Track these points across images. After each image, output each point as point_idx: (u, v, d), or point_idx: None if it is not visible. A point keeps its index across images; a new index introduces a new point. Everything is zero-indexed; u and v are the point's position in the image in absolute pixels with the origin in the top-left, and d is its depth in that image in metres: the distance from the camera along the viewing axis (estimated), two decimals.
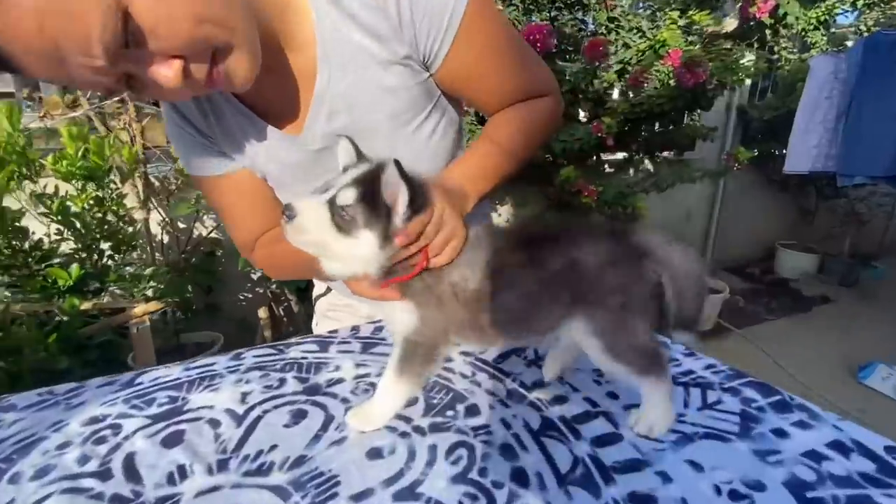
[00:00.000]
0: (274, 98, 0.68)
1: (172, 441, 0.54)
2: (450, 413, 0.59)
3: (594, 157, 2.23)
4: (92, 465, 0.50)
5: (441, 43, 0.64)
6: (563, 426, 0.56)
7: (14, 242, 1.32)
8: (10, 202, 1.32)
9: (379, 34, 0.63)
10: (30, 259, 1.37)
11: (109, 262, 1.67)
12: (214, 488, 0.47)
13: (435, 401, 0.61)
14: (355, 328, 0.84)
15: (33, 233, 1.40)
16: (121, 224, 1.72)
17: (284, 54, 0.64)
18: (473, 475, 0.48)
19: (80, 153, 1.41)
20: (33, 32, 0.40)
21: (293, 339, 0.80)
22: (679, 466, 0.49)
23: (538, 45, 1.62)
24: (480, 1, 0.64)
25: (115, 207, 1.62)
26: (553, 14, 2.13)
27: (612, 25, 2.02)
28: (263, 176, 0.75)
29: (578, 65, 1.83)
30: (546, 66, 0.76)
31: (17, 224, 1.32)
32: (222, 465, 0.50)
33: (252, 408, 0.60)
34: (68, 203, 1.40)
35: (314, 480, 0.48)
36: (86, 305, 1.48)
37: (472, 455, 0.51)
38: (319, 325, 1.00)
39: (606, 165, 2.77)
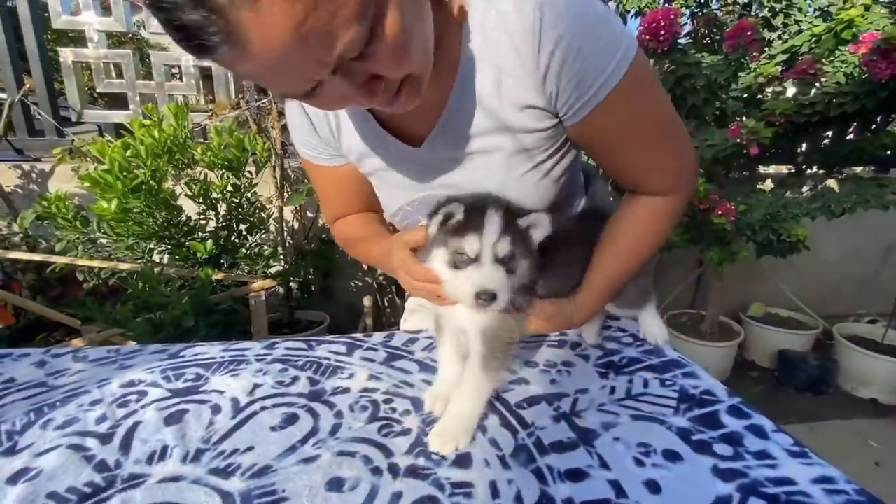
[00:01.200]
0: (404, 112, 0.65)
1: (174, 419, 0.56)
2: (436, 458, 0.50)
3: (743, 171, 1.82)
4: (103, 427, 0.55)
5: (581, 108, 0.61)
6: None
7: (170, 218, 1.60)
8: (171, 185, 1.62)
9: (518, 80, 0.60)
10: (179, 233, 1.65)
11: (242, 241, 1.94)
12: (177, 478, 0.47)
13: (426, 438, 0.53)
14: (389, 335, 0.80)
15: (185, 212, 1.70)
16: (255, 209, 1.98)
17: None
18: None
19: (223, 147, 1.66)
20: (296, 19, 0.39)
21: (326, 337, 0.79)
22: None
23: (662, 32, 1.36)
24: (639, 76, 0.60)
25: (248, 195, 1.87)
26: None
27: (782, 5, 1.60)
28: (367, 174, 0.77)
29: (718, 57, 1.49)
30: (690, 154, 0.70)
31: (172, 203, 1.60)
32: (197, 455, 0.50)
33: (254, 402, 0.60)
34: (210, 188, 1.66)
35: (264, 497, 0.45)
36: (218, 276, 1.73)
37: None
38: (407, 322, 1.00)
39: (767, 181, 2.27)
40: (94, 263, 1.74)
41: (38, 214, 1.82)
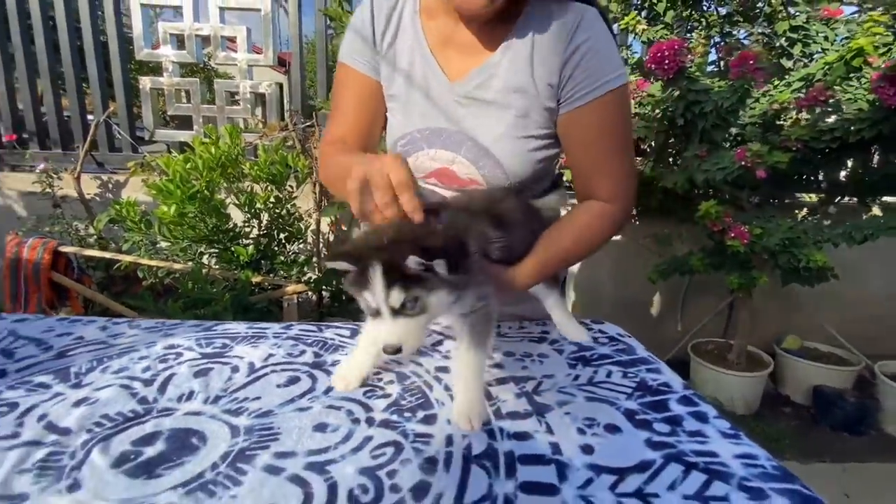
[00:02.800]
0: (456, 42, 0.83)
1: (201, 374, 0.69)
2: (408, 415, 0.59)
3: (770, 197, 1.80)
4: (146, 375, 0.67)
5: (579, 97, 0.78)
6: (504, 460, 0.50)
7: (219, 224, 1.80)
8: (222, 196, 1.83)
9: (548, 58, 0.78)
10: (226, 238, 1.85)
11: (281, 249, 2.12)
12: (198, 413, 0.59)
13: (404, 402, 0.62)
14: None
15: (232, 219, 1.90)
16: (294, 220, 2.17)
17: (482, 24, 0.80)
18: (380, 473, 0.48)
19: (268, 163, 1.86)
20: None
21: (336, 322, 0.90)
22: None
23: (667, 62, 1.43)
24: (625, 95, 0.81)
25: (288, 206, 2.06)
26: (726, 30, 1.84)
27: (797, 36, 1.62)
28: (390, 97, 0.88)
29: (724, 83, 1.53)
30: (634, 176, 0.86)
31: (222, 211, 1.80)
32: (216, 399, 0.62)
33: (266, 366, 0.72)
34: (254, 199, 1.85)
35: (262, 431, 0.55)
36: (257, 279, 1.91)
37: (395, 456, 0.51)
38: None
39: (804, 209, 2.22)
40: (154, 263, 1.97)
41: (110, 218, 2.09)
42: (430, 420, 0.58)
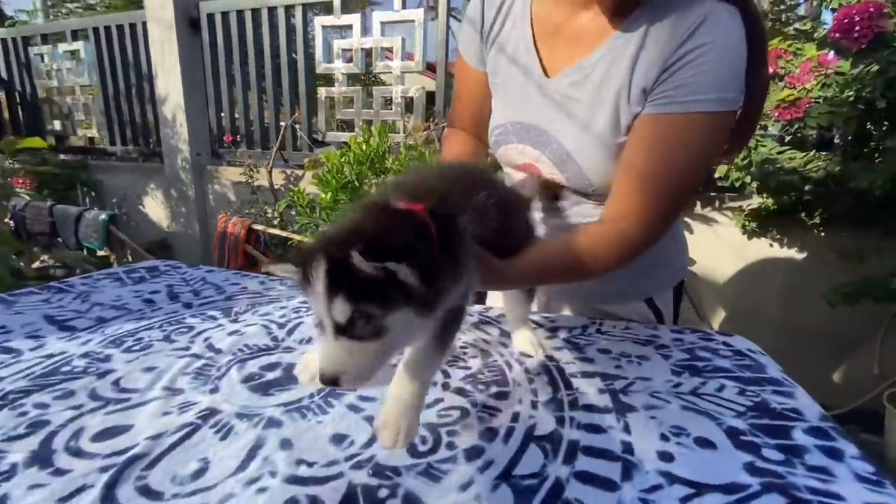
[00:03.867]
0: (564, 32, 0.78)
1: None
2: (482, 388, 0.61)
3: None
4: (282, 320, 0.82)
5: (660, 104, 0.68)
6: (566, 447, 0.48)
7: None
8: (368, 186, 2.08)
9: (651, 62, 0.69)
10: None
11: None
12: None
13: (482, 375, 0.64)
14: (487, 308, 0.92)
15: None
16: None
17: (600, 9, 0.74)
18: (442, 430, 0.51)
19: (408, 158, 2.04)
20: None
21: None
22: None
23: (857, 28, 1.10)
24: (718, 127, 0.68)
25: None
26: None
27: None
28: (493, 85, 0.89)
29: None
30: (670, 214, 0.73)
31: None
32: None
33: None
34: None
35: None
36: None
37: (459, 420, 0.53)
38: (490, 298, 1.10)
39: None
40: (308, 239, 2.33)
41: (287, 203, 2.54)
42: (501, 396, 0.59)
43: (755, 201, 2.02)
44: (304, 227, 2.46)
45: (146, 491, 0.41)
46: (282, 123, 3.28)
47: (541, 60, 0.80)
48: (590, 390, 0.60)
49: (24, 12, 8.16)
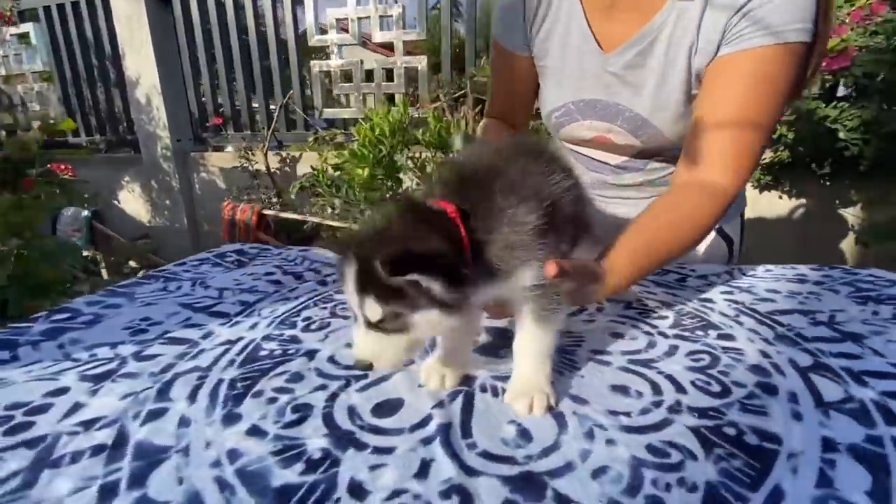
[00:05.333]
0: (613, 6, 0.77)
1: None
2: (700, 333, 0.60)
3: None
4: None
5: (739, 41, 0.67)
6: (846, 374, 0.49)
7: (393, 186, 1.98)
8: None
9: (719, 14, 0.68)
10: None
11: None
12: None
13: (685, 322, 0.64)
14: None
15: (404, 183, 2.07)
16: None
17: None
18: (713, 372, 0.51)
19: (437, 130, 1.98)
20: None
21: None
22: None
23: None
24: (797, 55, 0.66)
25: None
26: None
27: None
28: (542, 68, 0.89)
29: None
30: (757, 154, 0.70)
31: (397, 175, 1.97)
32: None
33: None
34: (426, 163, 2.00)
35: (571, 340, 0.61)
36: None
37: (716, 362, 0.53)
38: None
39: None
40: (336, 223, 2.24)
41: (301, 185, 2.42)
42: (729, 337, 0.59)
43: (767, 155, 2.11)
44: (320, 209, 2.36)
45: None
46: (272, 107, 3.09)
47: (595, 37, 0.79)
48: (803, 324, 0.61)
49: None
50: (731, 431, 0.41)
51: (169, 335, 0.61)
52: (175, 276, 0.84)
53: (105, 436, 0.41)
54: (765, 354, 0.54)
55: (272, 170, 3.02)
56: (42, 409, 0.46)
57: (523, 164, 0.48)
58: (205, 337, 0.61)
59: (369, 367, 0.42)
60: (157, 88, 3.11)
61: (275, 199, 2.90)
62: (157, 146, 3.26)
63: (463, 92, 2.52)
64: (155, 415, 0.44)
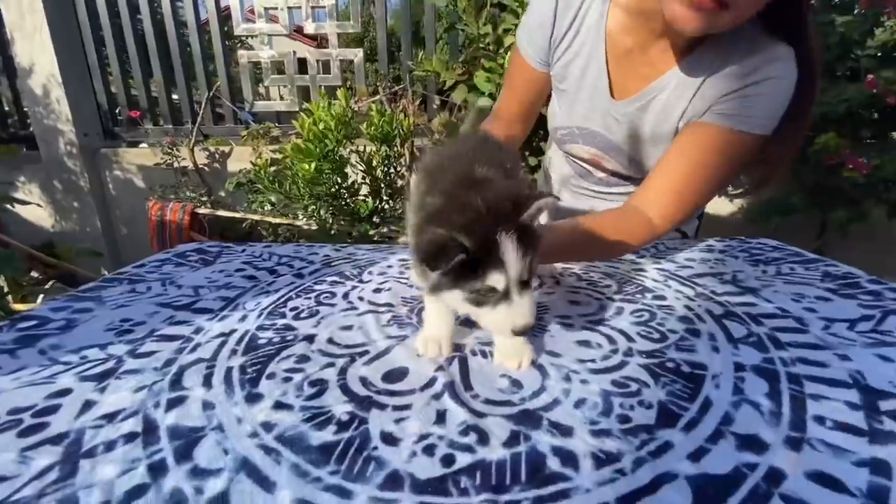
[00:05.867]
0: (635, 57, 0.85)
1: None
2: (639, 296, 0.73)
3: (873, 135, 1.78)
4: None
5: (711, 115, 0.78)
6: (747, 317, 0.64)
7: (339, 181, 1.98)
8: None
9: (711, 93, 0.79)
10: (346, 194, 2.03)
11: (389, 204, 2.30)
12: None
13: (626, 288, 0.76)
14: None
15: (349, 177, 2.08)
16: (398, 177, 2.33)
17: (669, 43, 0.82)
18: (652, 324, 0.63)
19: (381, 123, 2.00)
20: None
21: None
22: (865, 356, 0.52)
23: None
24: (748, 145, 0.78)
25: (395, 165, 2.22)
26: None
27: None
28: (558, 88, 0.97)
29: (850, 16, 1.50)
30: (693, 205, 0.82)
31: (342, 170, 1.98)
32: None
33: None
34: (372, 157, 2.02)
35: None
36: (371, 231, 2.10)
37: (653, 316, 0.65)
38: None
39: None
40: (279, 220, 2.19)
41: (237, 182, 2.32)
42: (661, 297, 0.72)
43: None
44: (260, 206, 2.29)
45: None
46: (196, 99, 2.91)
47: (610, 81, 0.89)
48: (714, 285, 0.76)
49: None
50: (671, 365, 0.52)
51: (159, 333, 0.61)
52: (139, 277, 0.82)
53: (132, 425, 0.43)
54: (689, 308, 0.67)
55: (200, 166, 2.85)
56: (50, 410, 0.46)
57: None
58: (196, 332, 0.62)
59: (531, 327, 0.45)
60: (57, 78, 2.79)
61: (205, 198, 2.75)
62: (60, 142, 2.93)
63: (402, 87, 2.55)
64: (176, 402, 0.47)
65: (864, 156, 1.56)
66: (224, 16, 2.80)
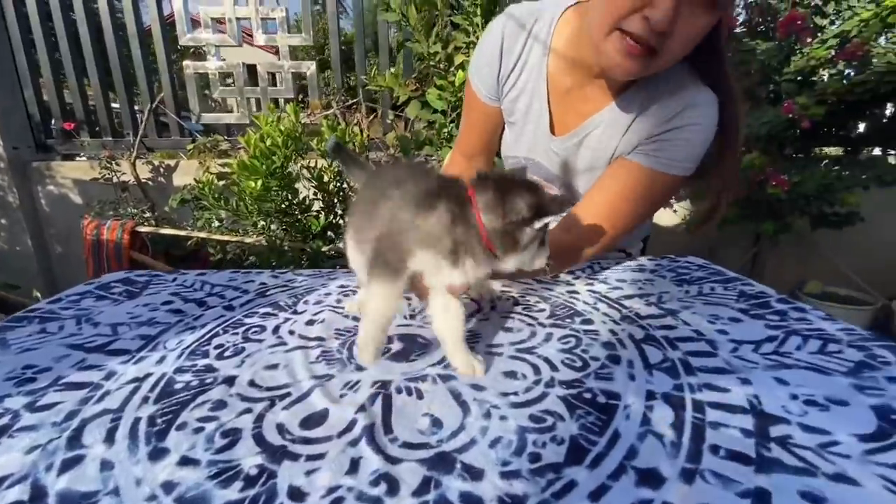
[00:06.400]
0: (573, 96, 0.91)
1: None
2: (568, 321, 0.75)
3: (798, 151, 1.93)
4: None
5: (639, 154, 0.85)
6: (664, 341, 0.67)
7: (289, 197, 1.94)
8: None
9: (639, 133, 0.85)
10: (296, 210, 1.99)
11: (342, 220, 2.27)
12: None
13: (558, 312, 0.78)
14: None
15: (300, 193, 2.04)
16: (349, 192, 2.30)
17: (605, 82, 0.87)
18: (577, 351, 0.65)
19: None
20: None
21: None
22: (765, 380, 0.56)
23: None
24: (672, 185, 0.86)
25: (347, 180, 2.19)
26: None
27: None
28: (507, 120, 1.02)
29: (772, 43, 1.64)
30: (613, 237, 0.89)
31: (293, 186, 1.94)
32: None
33: None
34: (323, 173, 1.99)
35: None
36: (325, 248, 2.06)
37: (579, 342, 0.67)
38: None
39: (825, 162, 2.35)
40: (227, 238, 2.11)
41: (182, 198, 2.22)
42: (588, 322, 0.74)
43: None
44: (206, 223, 2.21)
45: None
46: (139, 109, 2.77)
47: (551, 118, 0.94)
48: (639, 306, 0.79)
49: None
50: (588, 395, 0.54)
51: (64, 380, 0.58)
52: (52, 315, 0.77)
53: (18, 492, 0.40)
54: (613, 332, 0.70)
55: (143, 180, 2.71)
56: None
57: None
58: (107, 378, 0.59)
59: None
60: None
61: (148, 214, 2.62)
62: None
63: (356, 101, 2.54)
64: (71, 463, 0.44)
65: (786, 173, 1.69)
66: (169, 23, 2.69)
